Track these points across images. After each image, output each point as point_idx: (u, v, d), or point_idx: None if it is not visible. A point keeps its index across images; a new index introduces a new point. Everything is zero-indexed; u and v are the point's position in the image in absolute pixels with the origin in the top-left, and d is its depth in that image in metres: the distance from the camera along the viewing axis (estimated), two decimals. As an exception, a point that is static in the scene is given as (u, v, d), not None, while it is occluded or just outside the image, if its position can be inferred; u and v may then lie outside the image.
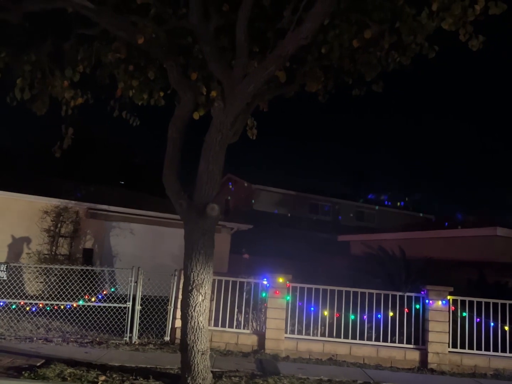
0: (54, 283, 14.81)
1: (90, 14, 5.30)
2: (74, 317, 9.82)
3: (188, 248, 5.90)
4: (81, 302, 9.47)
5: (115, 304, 9.50)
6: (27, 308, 9.57)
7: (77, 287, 10.78)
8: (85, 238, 17.22)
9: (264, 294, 9.44)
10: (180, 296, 9.53)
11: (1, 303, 9.30)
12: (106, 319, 9.51)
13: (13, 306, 9.47)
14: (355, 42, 5.68)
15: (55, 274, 15.25)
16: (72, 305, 9.48)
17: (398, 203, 40.41)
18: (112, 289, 10.01)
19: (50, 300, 9.73)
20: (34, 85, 6.13)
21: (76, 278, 14.37)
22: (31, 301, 9.61)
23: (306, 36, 5.04)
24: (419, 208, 39.50)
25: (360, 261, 14.70)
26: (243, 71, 5.59)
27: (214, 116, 5.64)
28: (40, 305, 9.52)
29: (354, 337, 9.15)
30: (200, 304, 5.95)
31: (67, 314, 9.86)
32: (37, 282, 15.04)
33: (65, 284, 12.96)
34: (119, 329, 9.45)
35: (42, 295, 14.45)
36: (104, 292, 9.81)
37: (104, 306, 9.58)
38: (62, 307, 9.61)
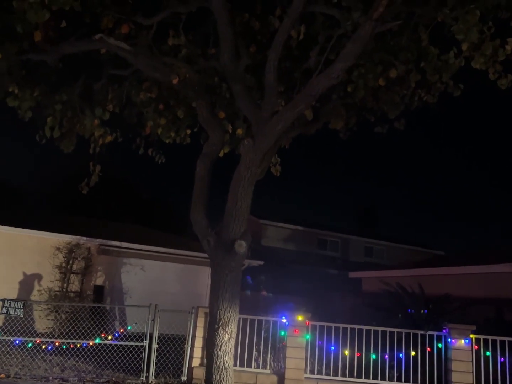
0: (66, 321, 14.76)
1: (127, 56, 5.44)
2: (90, 356, 9.68)
3: (214, 285, 5.86)
4: (97, 340, 9.33)
5: (132, 343, 9.35)
6: (43, 347, 9.43)
7: (90, 325, 10.64)
8: (96, 275, 17.12)
9: (282, 333, 9.29)
10: (197, 335, 9.45)
11: (17, 341, 9.19)
12: (123, 357, 9.36)
13: (29, 345, 9.36)
14: (381, 81, 5.78)
15: (66, 312, 15.19)
16: (88, 343, 9.33)
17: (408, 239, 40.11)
18: (129, 327, 9.87)
19: (66, 338, 9.59)
20: (63, 124, 6.23)
21: (87, 316, 14.29)
22: (47, 339, 9.49)
23: (337, 76, 5.15)
24: (429, 244, 39.20)
25: (375, 298, 14.51)
26: (271, 109, 5.68)
27: (243, 154, 5.70)
28: (56, 343, 9.38)
29: (375, 377, 8.96)
30: (226, 343, 5.88)
31: (83, 352, 9.72)
32: (48, 320, 14.93)
33: (76, 322, 12.84)
34: (136, 368, 9.29)
35: (53, 332, 14.37)
36: (121, 330, 9.67)
37: (121, 345, 9.44)
38: (78, 345, 9.46)
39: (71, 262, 16.16)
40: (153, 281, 17.71)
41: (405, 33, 5.65)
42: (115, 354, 9.39)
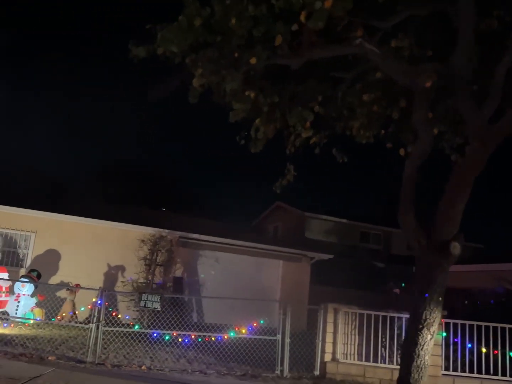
0: (149, 312, 14.96)
1: (376, 59, 5.48)
2: (215, 349, 9.79)
3: (421, 285, 5.92)
4: (232, 334, 9.48)
5: (265, 337, 9.51)
6: (180, 340, 9.60)
7: (172, 316, 10.53)
8: (175, 267, 17.32)
9: (415, 329, 9.34)
10: (328, 330, 9.58)
11: (155, 334, 9.36)
12: (254, 351, 9.51)
13: (167, 337, 9.51)
14: None
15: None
16: (223, 336, 9.48)
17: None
18: (262, 321, 9.99)
19: (201, 332, 9.72)
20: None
21: (168, 307, 14.47)
22: (184, 332, 9.62)
23: None
24: (468, 237, 38.82)
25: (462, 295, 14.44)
26: (492, 111, 5.70)
27: (468, 156, 5.74)
28: (192, 336, 9.54)
29: (512, 375, 8.98)
30: (428, 343, 5.96)
31: (209, 345, 9.85)
32: (134, 311, 15.13)
33: (160, 313, 13.01)
34: (265, 361, 9.43)
35: (141, 324, 14.58)
36: (254, 324, 9.79)
37: (250, 338, 9.62)
38: (213, 338, 9.59)
39: (155, 254, 16.37)
40: (227, 273, 17.87)
41: None
42: (247, 348, 9.54)
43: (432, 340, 5.95)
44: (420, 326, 5.86)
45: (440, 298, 5.92)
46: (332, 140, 7.50)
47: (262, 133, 6.14)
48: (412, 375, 5.95)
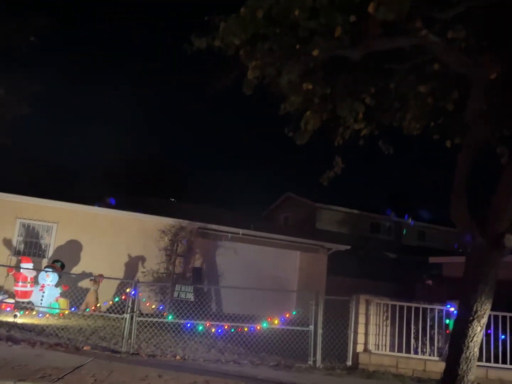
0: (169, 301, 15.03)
1: (440, 51, 5.44)
2: (244, 340, 9.81)
3: (473, 277, 5.92)
4: (264, 325, 9.51)
5: (297, 328, 9.55)
6: (213, 330, 9.64)
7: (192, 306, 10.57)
8: (194, 257, 17.36)
9: (447, 321, 9.37)
10: (360, 321, 9.60)
11: (189, 324, 9.40)
12: (284, 342, 9.56)
13: (200, 328, 9.55)
14: None
15: (168, 293, 15.45)
16: (256, 327, 9.51)
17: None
18: (294, 312, 10.02)
19: (234, 322, 9.75)
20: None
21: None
22: (217, 322, 9.64)
23: None
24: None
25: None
26: None
27: None
28: (225, 326, 9.57)
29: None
30: (477, 335, 5.97)
31: (237, 336, 9.86)
32: (155, 301, 15.21)
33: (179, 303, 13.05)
34: (295, 352, 9.46)
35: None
36: (287, 315, 9.82)
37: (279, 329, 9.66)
38: (246, 329, 9.63)
39: (176, 244, 16.42)
40: (245, 264, 17.88)
41: None
42: (279, 339, 9.58)
43: (481, 332, 5.97)
44: (471, 318, 5.88)
45: (491, 292, 5.93)
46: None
47: (312, 124, 6.11)
48: (461, 366, 5.96)
